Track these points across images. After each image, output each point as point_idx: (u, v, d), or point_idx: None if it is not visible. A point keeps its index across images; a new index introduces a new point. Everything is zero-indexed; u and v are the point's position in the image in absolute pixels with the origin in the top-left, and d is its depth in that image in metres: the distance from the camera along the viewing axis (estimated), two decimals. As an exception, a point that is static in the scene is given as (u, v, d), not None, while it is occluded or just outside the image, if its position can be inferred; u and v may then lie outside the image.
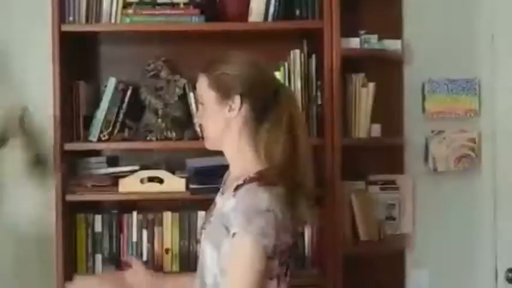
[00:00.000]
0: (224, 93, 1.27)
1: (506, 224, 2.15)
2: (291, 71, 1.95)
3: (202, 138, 1.38)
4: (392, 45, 2.08)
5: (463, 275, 2.18)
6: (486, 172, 2.17)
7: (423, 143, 2.17)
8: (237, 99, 1.26)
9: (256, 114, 1.27)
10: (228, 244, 1.18)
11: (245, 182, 1.22)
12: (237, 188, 1.23)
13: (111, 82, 1.93)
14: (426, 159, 2.16)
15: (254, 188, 1.20)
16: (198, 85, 1.33)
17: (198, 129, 1.95)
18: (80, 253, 1.94)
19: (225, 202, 1.26)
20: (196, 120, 1.33)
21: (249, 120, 1.27)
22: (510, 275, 2.13)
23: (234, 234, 1.16)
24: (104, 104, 1.93)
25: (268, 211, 1.16)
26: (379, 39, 2.05)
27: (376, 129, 2.05)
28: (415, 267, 2.18)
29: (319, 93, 1.96)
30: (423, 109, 2.17)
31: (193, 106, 1.96)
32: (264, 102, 1.27)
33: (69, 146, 1.87)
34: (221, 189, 1.38)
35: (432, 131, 2.15)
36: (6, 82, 2.07)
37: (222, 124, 1.28)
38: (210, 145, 1.34)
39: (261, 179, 1.21)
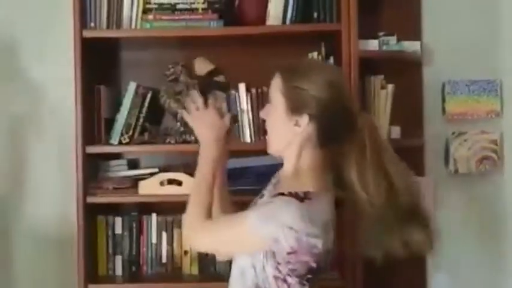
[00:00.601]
0: (295, 107, 1.23)
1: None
2: (309, 74, 1.94)
3: (264, 134, 1.35)
4: (412, 46, 2.07)
5: (486, 279, 2.15)
6: (509, 174, 2.14)
7: (444, 145, 2.15)
8: (306, 118, 1.22)
9: (322, 138, 1.24)
10: None
11: (288, 195, 1.19)
12: (276, 195, 1.21)
13: (131, 86, 1.96)
14: (447, 161, 2.14)
15: (293, 202, 1.17)
16: (272, 83, 1.29)
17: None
18: (100, 255, 1.97)
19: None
20: (260, 115, 1.36)
21: (313, 140, 1.24)
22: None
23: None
24: (125, 108, 1.95)
25: (290, 228, 1.14)
26: (398, 40, 2.04)
27: (396, 131, 2.04)
28: (437, 271, 2.15)
29: (337, 96, 1.95)
30: (443, 110, 2.14)
31: (211, 109, 1.97)
32: (334, 128, 1.24)
33: (90, 149, 1.89)
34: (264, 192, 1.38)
35: (453, 133, 2.13)
36: (24, 85, 2.11)
37: (288, 135, 1.25)
38: (271, 151, 1.32)
39: (305, 198, 1.18)
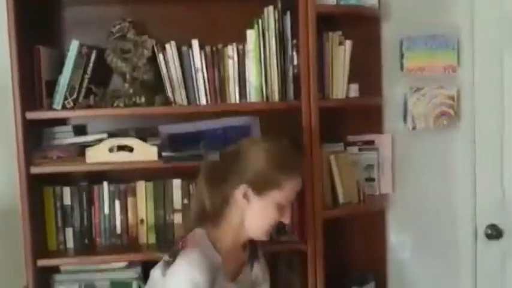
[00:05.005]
0: None
1: (484, 181, 2.15)
2: (265, 29, 1.85)
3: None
4: (369, 0, 1.99)
5: (443, 232, 2.18)
6: (464, 128, 2.14)
7: (402, 101, 2.12)
8: None
9: None
10: None
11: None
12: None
13: (74, 45, 1.80)
14: (405, 117, 2.12)
15: None
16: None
17: (170, 95, 1.86)
18: (49, 228, 1.85)
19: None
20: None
21: None
22: (489, 231, 2.16)
23: None
24: (67, 69, 1.80)
25: None
26: (356, -6, 1.96)
27: (354, 89, 1.99)
28: (396, 227, 2.17)
29: (295, 53, 1.87)
30: (401, 66, 2.10)
31: (163, 69, 1.85)
32: None
33: (31, 115, 1.74)
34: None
35: (411, 89, 2.10)
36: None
37: None
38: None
39: None
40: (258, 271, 1.56)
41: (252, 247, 1.55)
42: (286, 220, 1.45)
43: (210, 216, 1.44)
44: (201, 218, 1.45)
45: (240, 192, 1.41)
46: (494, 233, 2.14)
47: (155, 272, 1.42)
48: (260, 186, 1.39)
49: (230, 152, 1.47)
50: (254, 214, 1.41)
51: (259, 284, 1.57)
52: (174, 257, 1.35)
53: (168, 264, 1.36)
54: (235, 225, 1.44)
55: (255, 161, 1.40)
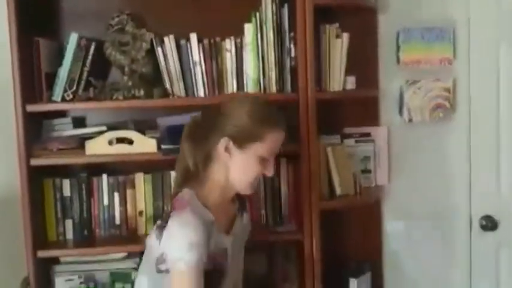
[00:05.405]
0: None
1: (480, 172, 2.17)
2: (262, 22, 1.86)
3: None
4: (366, -7, 2.01)
5: (438, 224, 2.20)
6: (459, 121, 2.16)
7: (398, 94, 2.14)
8: None
9: None
10: None
11: None
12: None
13: (73, 38, 1.82)
14: (401, 110, 2.14)
15: None
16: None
17: (169, 88, 1.87)
18: (49, 219, 1.87)
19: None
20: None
21: None
22: (484, 222, 2.18)
23: None
24: (67, 62, 1.81)
25: None
26: (353, -14, 1.98)
27: (351, 81, 2.01)
28: (392, 218, 2.19)
29: (292, 46, 1.88)
30: (398, 59, 2.12)
31: (162, 62, 1.87)
32: None
33: (31, 108, 1.76)
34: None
35: (407, 81, 2.12)
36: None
37: None
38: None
39: None
40: (246, 221, 1.62)
41: (240, 200, 1.58)
42: (270, 173, 1.45)
43: (194, 175, 1.45)
44: (187, 178, 1.47)
45: (221, 146, 1.41)
46: (489, 224, 2.16)
47: (150, 238, 1.43)
48: (242, 140, 1.40)
49: (211, 109, 1.49)
50: (237, 167, 1.42)
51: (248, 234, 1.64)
52: (166, 219, 1.37)
53: (161, 227, 1.37)
54: (219, 181, 1.45)
55: (237, 116, 1.41)
